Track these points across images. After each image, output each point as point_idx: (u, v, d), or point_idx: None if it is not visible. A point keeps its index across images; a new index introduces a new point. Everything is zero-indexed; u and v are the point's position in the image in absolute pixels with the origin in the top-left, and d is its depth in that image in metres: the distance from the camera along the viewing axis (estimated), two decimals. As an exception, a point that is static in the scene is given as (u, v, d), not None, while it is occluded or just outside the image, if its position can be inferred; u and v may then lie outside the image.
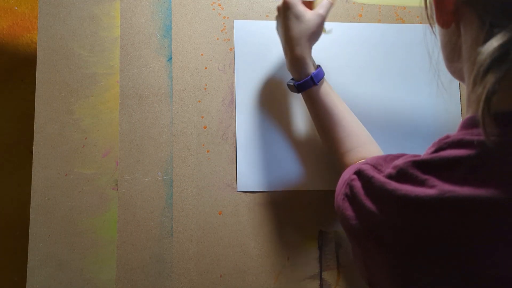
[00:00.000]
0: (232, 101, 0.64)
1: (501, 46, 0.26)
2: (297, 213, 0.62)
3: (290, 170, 0.62)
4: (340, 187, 0.42)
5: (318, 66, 0.56)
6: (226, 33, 0.65)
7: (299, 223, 0.62)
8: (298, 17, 0.52)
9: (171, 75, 0.63)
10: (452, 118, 0.66)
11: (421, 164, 0.31)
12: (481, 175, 0.28)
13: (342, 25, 0.67)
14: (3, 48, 0.97)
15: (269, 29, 0.65)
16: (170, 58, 0.64)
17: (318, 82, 0.53)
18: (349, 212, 0.37)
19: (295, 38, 0.53)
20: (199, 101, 0.63)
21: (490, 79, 0.26)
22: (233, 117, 0.63)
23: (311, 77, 0.53)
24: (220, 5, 0.66)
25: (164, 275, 0.59)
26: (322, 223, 0.62)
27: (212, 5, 0.65)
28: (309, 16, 0.52)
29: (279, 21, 0.56)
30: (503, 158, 0.27)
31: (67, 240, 0.59)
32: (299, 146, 0.63)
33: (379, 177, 0.34)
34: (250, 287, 0.60)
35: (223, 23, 0.65)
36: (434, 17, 0.35)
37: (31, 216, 0.59)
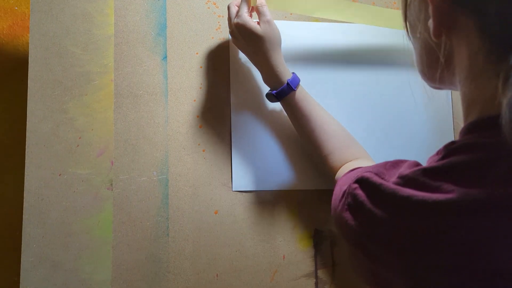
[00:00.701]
0: (228, 100, 0.59)
1: None
2: (292, 212, 0.58)
3: (286, 170, 0.59)
4: (339, 198, 0.38)
5: (293, 73, 0.54)
6: (221, 32, 0.61)
7: (294, 222, 0.58)
8: (254, 34, 0.51)
9: (166, 74, 0.59)
10: (444, 120, 0.63)
11: (432, 172, 0.30)
12: (495, 177, 0.27)
13: (336, 25, 0.63)
14: (3, 48, 0.92)
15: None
16: (165, 57, 0.59)
17: (295, 87, 0.53)
18: (353, 222, 0.34)
19: (262, 54, 0.52)
20: (194, 100, 0.59)
21: None
22: (228, 116, 0.59)
23: (288, 84, 0.52)
24: (214, 4, 0.61)
25: (160, 275, 0.55)
26: (317, 222, 0.58)
27: (207, 3, 0.61)
28: (262, 28, 0.51)
29: (239, 45, 0.55)
30: None
31: (61, 241, 0.54)
32: (294, 145, 0.59)
33: (389, 184, 0.31)
34: (246, 286, 0.56)
35: (218, 22, 0.61)
36: (431, 30, 0.32)
37: (24, 217, 0.54)
